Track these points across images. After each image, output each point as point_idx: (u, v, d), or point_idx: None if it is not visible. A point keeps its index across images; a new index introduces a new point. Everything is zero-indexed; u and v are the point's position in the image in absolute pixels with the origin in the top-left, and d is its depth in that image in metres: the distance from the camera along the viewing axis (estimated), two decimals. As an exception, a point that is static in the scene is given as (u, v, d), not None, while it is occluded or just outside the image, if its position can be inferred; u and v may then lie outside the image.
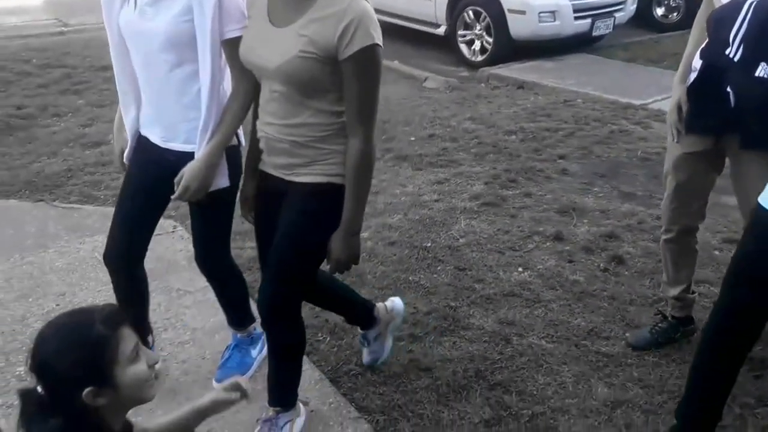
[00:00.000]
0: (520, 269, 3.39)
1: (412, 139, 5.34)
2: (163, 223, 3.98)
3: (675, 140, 2.48)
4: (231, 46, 2.02)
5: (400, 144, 5.22)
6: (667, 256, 2.71)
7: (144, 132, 2.26)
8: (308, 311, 2.99)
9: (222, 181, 2.20)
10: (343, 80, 1.84)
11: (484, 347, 2.75)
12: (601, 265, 3.40)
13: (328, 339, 2.80)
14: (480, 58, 7.67)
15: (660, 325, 2.75)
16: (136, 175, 2.30)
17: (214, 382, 2.50)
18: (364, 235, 3.71)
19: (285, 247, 2.02)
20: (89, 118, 5.54)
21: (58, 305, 2.87)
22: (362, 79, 1.83)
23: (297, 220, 2.00)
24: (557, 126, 5.52)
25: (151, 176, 2.25)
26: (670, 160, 2.58)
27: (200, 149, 2.11)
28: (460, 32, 7.79)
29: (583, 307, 3.04)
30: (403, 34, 8.55)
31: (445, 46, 8.02)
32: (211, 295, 3.14)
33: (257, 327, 2.61)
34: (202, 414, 1.65)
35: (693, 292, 2.76)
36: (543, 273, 3.34)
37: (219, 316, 2.97)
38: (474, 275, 3.32)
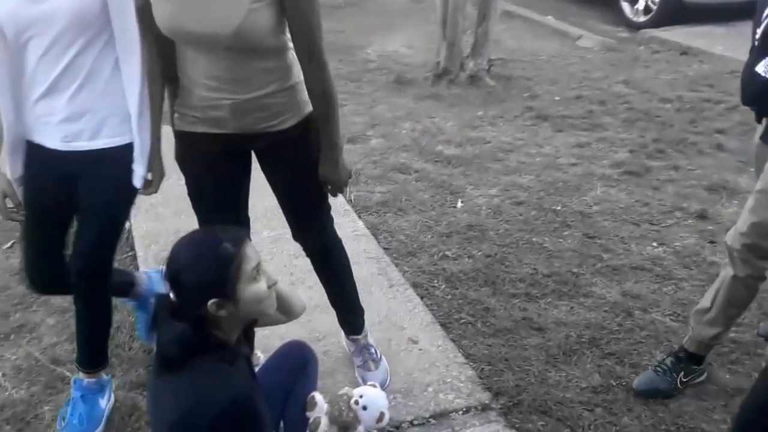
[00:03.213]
0: (655, 244, 3.23)
1: (557, 98, 5.17)
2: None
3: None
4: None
5: (543, 103, 5.07)
6: None
7: (37, 139, 1.90)
8: (427, 259, 3.07)
9: (142, 173, 1.95)
10: (289, 13, 1.77)
11: (603, 316, 2.68)
12: (746, 249, 3.16)
13: (443, 287, 2.86)
14: (643, 18, 7.19)
15: (801, 318, 2.54)
16: (34, 192, 1.96)
17: None
18: (492, 191, 3.72)
19: (313, 188, 2.07)
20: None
21: (203, 225, 3.16)
22: (308, 6, 1.77)
23: (308, 163, 2.00)
24: (720, 98, 5.09)
25: (51, 192, 1.95)
26: None
27: (139, 138, 1.90)
28: (624, -11, 7.34)
29: (717, 290, 2.85)
30: (562, -10, 8.20)
31: (605, 3, 7.59)
32: (342, 230, 3.27)
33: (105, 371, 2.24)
34: None
35: None
36: (679, 251, 3.16)
37: (347, 249, 3.07)
38: (603, 244, 3.22)
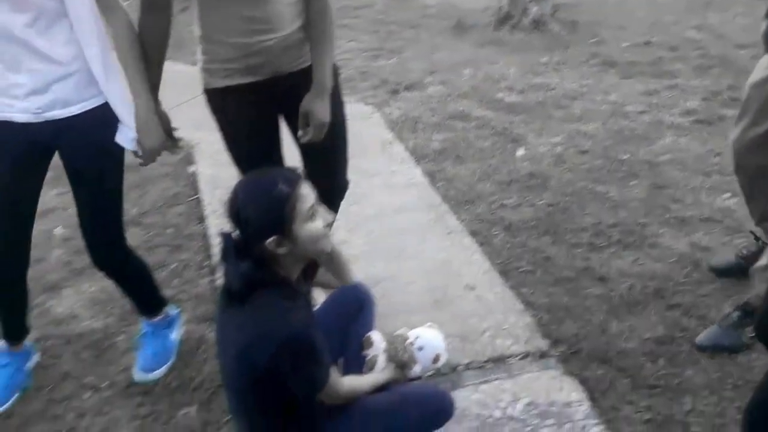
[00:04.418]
0: (727, 195, 3.09)
1: (625, 44, 4.96)
2: (362, 109, 4.17)
3: None
4: None
5: (610, 49, 4.87)
6: None
7: (3, 116, 1.81)
8: (486, 207, 3.02)
9: (132, 134, 1.87)
10: None
11: (669, 268, 2.59)
12: (826, 202, 2.99)
13: (502, 235, 2.81)
14: (721, -41, 6.76)
15: None
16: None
17: (143, 373, 2.16)
18: (555, 140, 3.61)
19: (332, 134, 2.02)
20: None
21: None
22: None
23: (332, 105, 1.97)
24: (802, 42, 4.79)
25: (20, 165, 1.87)
26: None
27: (113, 100, 1.83)
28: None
29: (793, 244, 2.72)
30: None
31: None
32: (400, 178, 3.30)
33: (170, 307, 2.30)
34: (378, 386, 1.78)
35: None
36: (752, 202, 3.02)
37: (404, 197, 3.13)
38: (671, 194, 3.10)
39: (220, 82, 1.94)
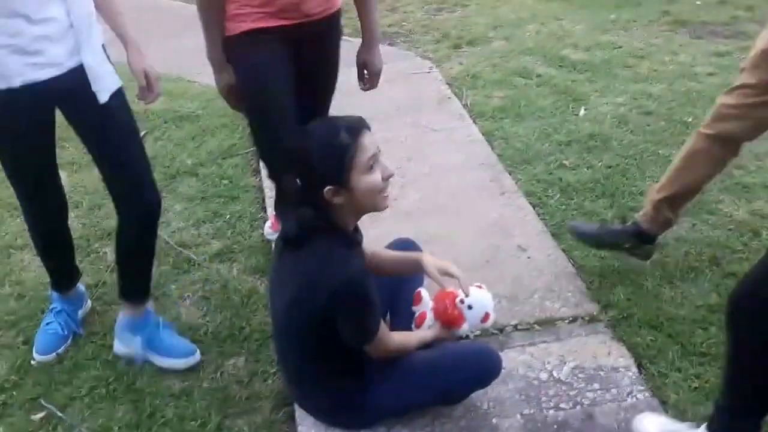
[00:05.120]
0: (794, 163, 2.97)
1: (698, 2, 4.74)
2: (421, 63, 4.14)
3: None
4: None
5: (682, 7, 4.67)
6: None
7: (25, 78, 1.74)
8: (543, 167, 2.99)
9: (107, 88, 1.83)
10: None
11: (727, 235, 2.53)
12: None
13: (558, 196, 2.78)
14: None
15: None
16: (22, 132, 1.84)
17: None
18: (618, 100, 3.52)
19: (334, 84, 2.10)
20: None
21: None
22: None
23: (337, 57, 2.03)
24: None
25: (37, 130, 1.87)
26: None
27: (89, 59, 1.79)
28: None
29: None
30: None
31: None
32: (456, 135, 3.29)
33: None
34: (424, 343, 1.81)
35: None
36: (821, 171, 2.90)
37: (460, 155, 3.12)
38: (735, 160, 2.98)
39: (248, 26, 1.95)
